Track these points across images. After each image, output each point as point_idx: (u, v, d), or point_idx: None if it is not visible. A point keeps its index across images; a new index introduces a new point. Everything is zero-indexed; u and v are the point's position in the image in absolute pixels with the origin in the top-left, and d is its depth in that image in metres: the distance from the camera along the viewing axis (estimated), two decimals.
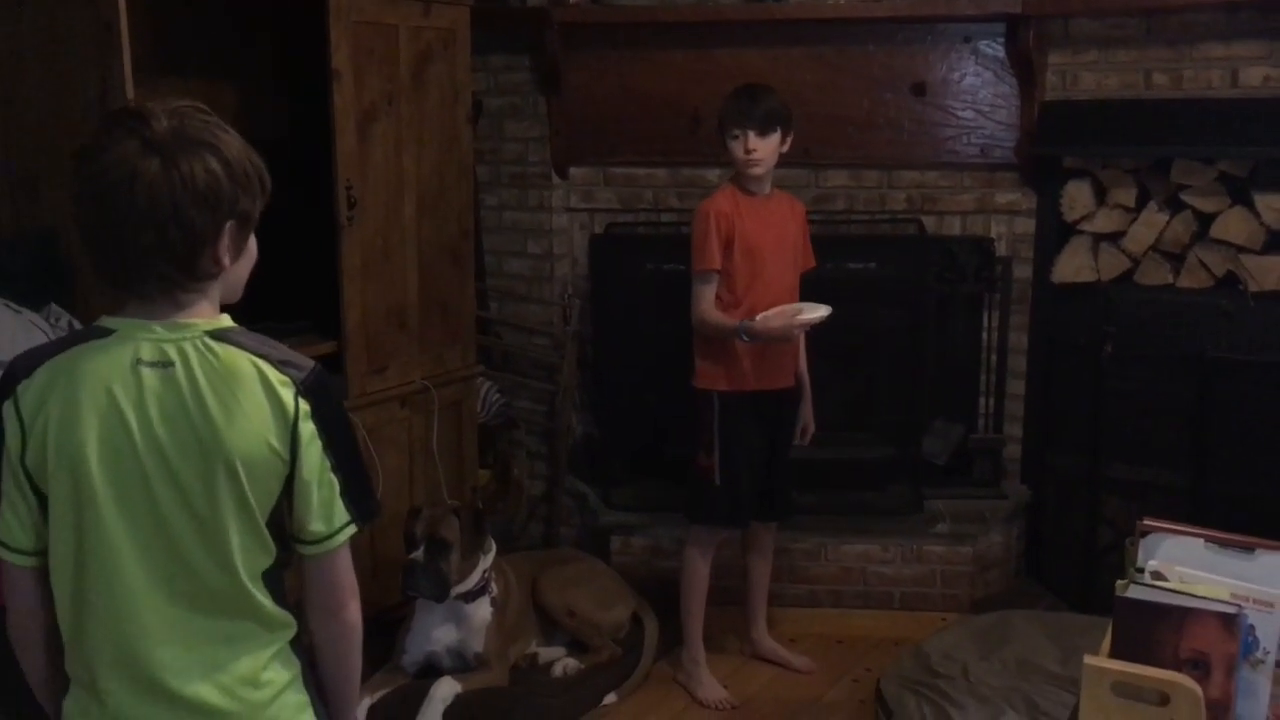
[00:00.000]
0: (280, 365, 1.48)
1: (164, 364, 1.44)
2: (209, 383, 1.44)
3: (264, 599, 1.51)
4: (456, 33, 3.57)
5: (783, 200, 3.33)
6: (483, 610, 3.21)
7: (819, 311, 3.13)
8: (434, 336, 3.61)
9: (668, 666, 3.51)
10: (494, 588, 3.24)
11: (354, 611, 1.60)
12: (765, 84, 3.25)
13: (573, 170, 4.20)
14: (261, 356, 1.48)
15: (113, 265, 1.44)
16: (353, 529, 1.55)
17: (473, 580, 3.17)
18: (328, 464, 1.50)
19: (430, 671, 3.19)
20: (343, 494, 1.53)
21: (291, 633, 1.56)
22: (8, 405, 1.46)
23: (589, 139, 4.16)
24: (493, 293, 4.34)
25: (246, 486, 1.45)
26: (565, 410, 4.22)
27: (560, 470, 4.26)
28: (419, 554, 3.09)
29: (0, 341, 2.75)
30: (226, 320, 1.52)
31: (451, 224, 3.64)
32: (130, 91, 2.79)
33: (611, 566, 3.80)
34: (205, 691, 1.49)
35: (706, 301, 3.18)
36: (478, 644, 3.19)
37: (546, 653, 3.42)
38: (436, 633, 3.19)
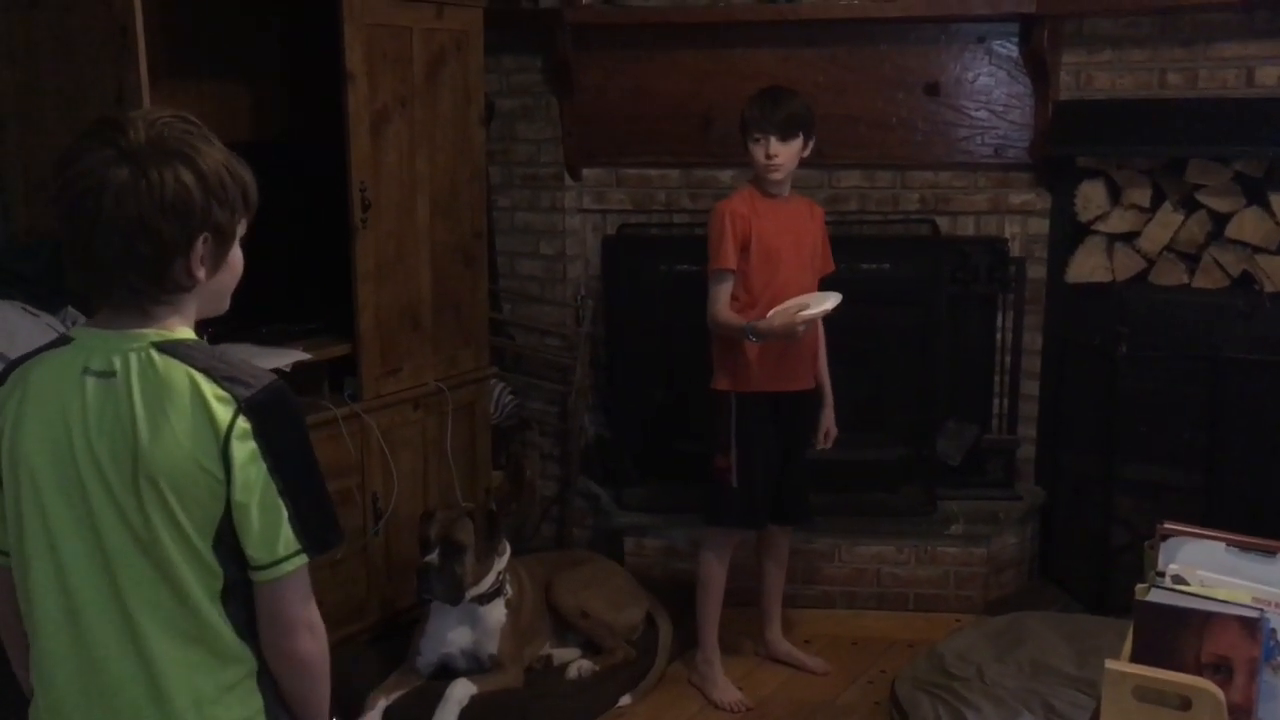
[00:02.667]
0: (224, 381, 1.42)
1: (107, 374, 1.43)
2: (142, 395, 1.41)
3: (220, 623, 1.46)
4: (469, 35, 3.57)
5: (801, 203, 3.33)
6: (497, 612, 3.21)
7: (825, 304, 3.11)
8: (447, 338, 3.62)
9: (682, 668, 3.51)
10: (508, 590, 3.24)
11: (305, 646, 1.51)
12: (788, 87, 3.24)
13: (585, 171, 4.20)
14: (204, 371, 1.42)
15: (84, 273, 1.44)
16: (303, 559, 1.45)
17: (487, 582, 3.17)
18: (273, 487, 1.43)
19: (445, 673, 3.19)
20: (292, 520, 1.44)
21: (250, 667, 1.50)
22: None
23: (601, 140, 4.15)
24: (505, 294, 4.34)
25: (175, 504, 1.41)
26: (578, 411, 4.22)
27: (573, 471, 4.26)
28: (433, 557, 3.09)
29: (17, 344, 2.76)
30: (183, 333, 1.48)
31: (464, 225, 3.65)
32: (146, 95, 2.81)
33: (625, 568, 3.80)
34: (146, 709, 1.46)
35: (721, 302, 3.18)
36: (492, 646, 3.19)
37: (561, 654, 3.42)
38: (451, 635, 3.19)
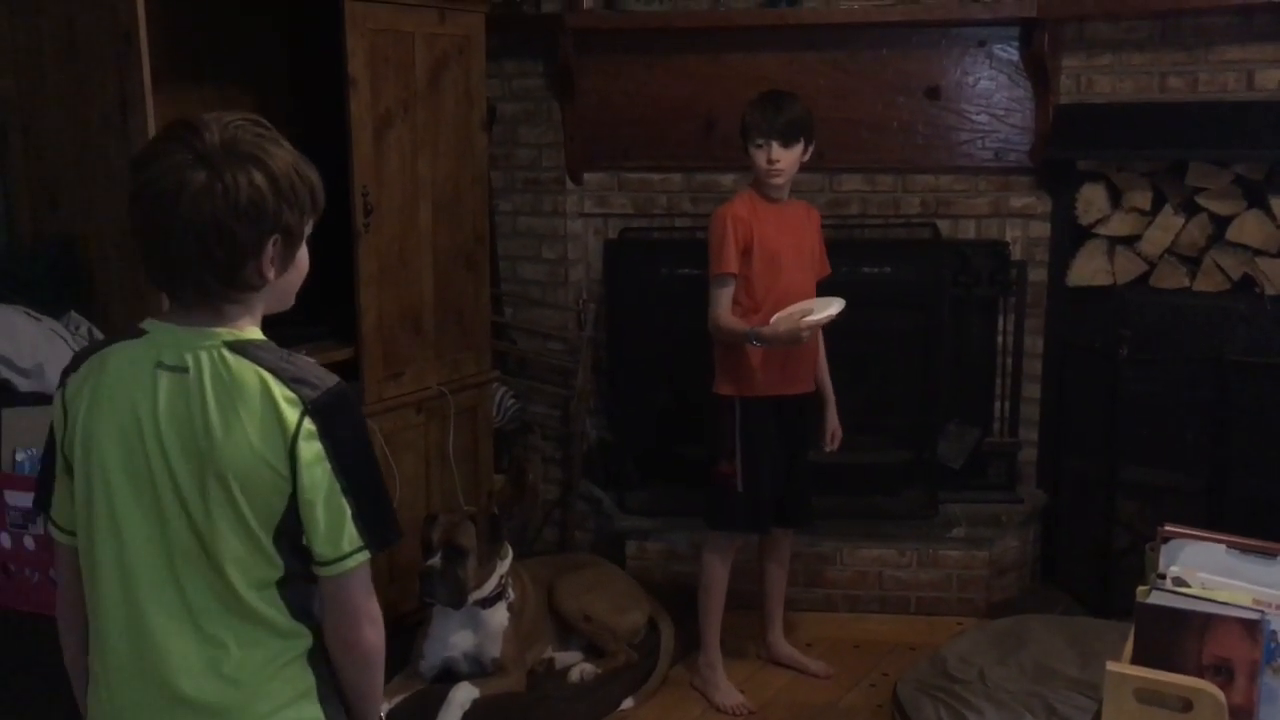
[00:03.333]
0: (292, 383, 1.46)
1: (181, 369, 1.47)
2: (215, 392, 1.45)
3: (268, 610, 1.50)
4: (472, 40, 3.59)
5: (799, 207, 3.34)
6: (499, 616, 3.22)
7: (829, 309, 3.12)
8: (449, 342, 3.63)
9: (684, 671, 3.51)
10: (511, 593, 3.25)
11: (369, 638, 1.56)
12: (788, 91, 3.25)
13: (587, 175, 4.21)
14: (273, 371, 1.46)
15: (159, 270, 1.48)
16: (366, 555, 1.50)
17: (490, 586, 3.18)
18: (338, 486, 1.47)
19: (448, 676, 3.20)
20: (355, 518, 1.48)
21: (305, 644, 1.54)
22: (58, 394, 1.55)
23: (603, 144, 4.16)
24: (507, 298, 4.35)
25: (241, 499, 1.45)
26: (580, 415, 4.23)
27: (575, 475, 4.26)
28: (436, 561, 3.09)
29: (21, 349, 2.77)
30: (253, 333, 1.52)
31: (466, 230, 3.66)
32: (150, 100, 2.82)
33: (627, 571, 3.80)
34: (205, 690, 1.49)
35: (723, 306, 3.18)
36: (495, 649, 3.20)
37: (563, 658, 3.42)
38: (454, 638, 3.20)
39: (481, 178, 3.73)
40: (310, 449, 1.45)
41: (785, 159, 3.15)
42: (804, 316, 3.09)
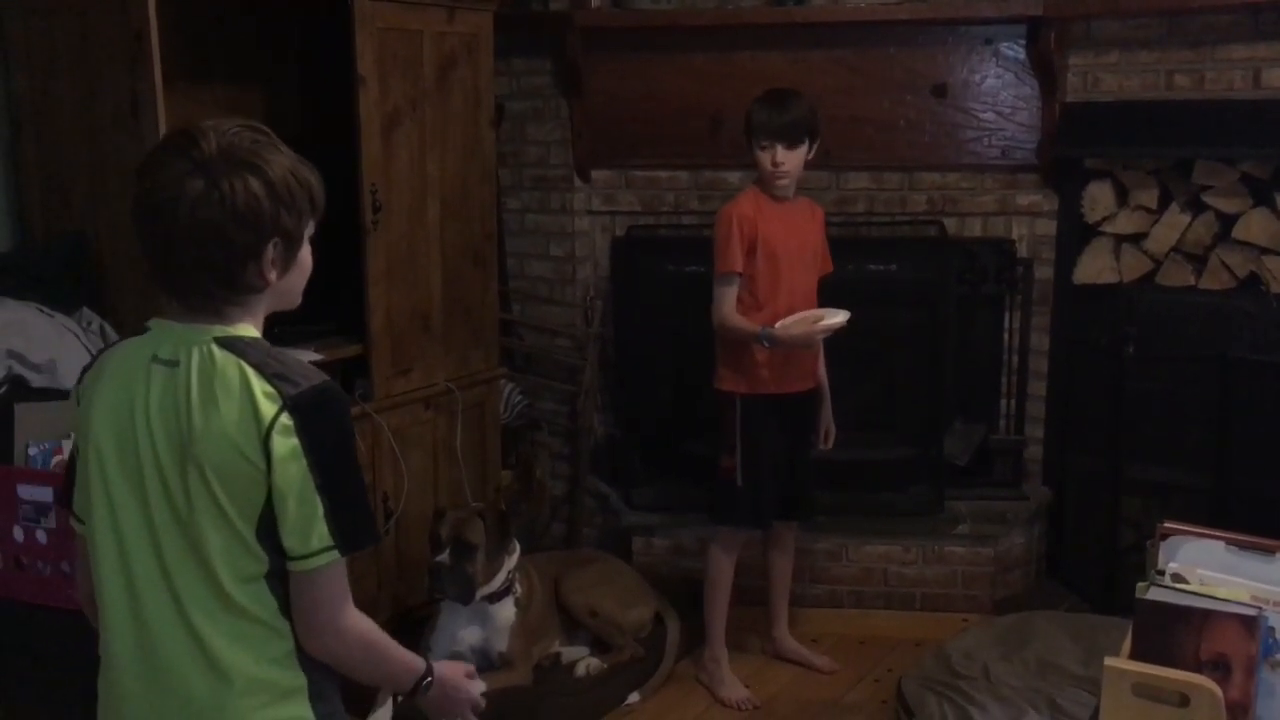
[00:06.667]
0: (274, 378, 1.48)
1: (172, 363, 1.50)
2: (199, 385, 1.48)
3: (255, 604, 1.51)
4: (480, 38, 3.60)
5: (803, 205, 3.35)
6: (507, 611, 3.24)
7: (839, 317, 3.14)
8: (457, 339, 3.65)
9: (690, 666, 3.53)
10: (518, 588, 3.27)
11: (332, 639, 1.55)
12: (793, 90, 3.25)
13: (594, 173, 4.22)
14: (256, 367, 1.48)
15: (163, 276, 1.52)
16: (335, 554, 1.50)
17: (497, 581, 3.20)
18: (312, 483, 1.47)
19: None
20: (327, 516, 1.48)
21: (291, 644, 1.54)
22: (74, 390, 1.62)
23: (610, 142, 4.18)
24: (515, 295, 4.37)
25: (219, 491, 1.47)
26: (587, 411, 4.25)
27: (582, 471, 4.28)
28: (444, 557, 3.11)
29: (34, 345, 2.80)
30: (246, 331, 1.54)
31: (474, 227, 3.68)
32: (160, 99, 2.84)
33: (633, 567, 3.82)
34: (195, 684, 1.52)
35: (728, 304, 3.20)
36: (502, 644, 3.22)
37: (569, 652, 3.44)
38: (461, 633, 3.22)
39: (489, 175, 3.75)
40: (285, 444, 1.46)
41: (790, 160, 3.16)
42: (817, 321, 3.11)
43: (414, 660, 1.69)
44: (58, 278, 3.01)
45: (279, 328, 3.19)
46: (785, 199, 3.26)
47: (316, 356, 3.20)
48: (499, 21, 3.66)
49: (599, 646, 3.47)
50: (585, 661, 3.39)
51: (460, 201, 3.60)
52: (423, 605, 3.36)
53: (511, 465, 4.12)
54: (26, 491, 2.57)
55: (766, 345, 3.14)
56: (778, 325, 3.12)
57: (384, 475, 3.40)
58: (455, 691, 1.76)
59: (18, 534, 2.61)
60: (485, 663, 3.22)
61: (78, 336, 2.85)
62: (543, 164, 4.27)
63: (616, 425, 4.29)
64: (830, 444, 3.46)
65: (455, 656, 3.23)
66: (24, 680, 2.51)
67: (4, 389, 2.74)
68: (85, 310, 2.98)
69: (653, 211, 4.20)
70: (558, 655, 3.43)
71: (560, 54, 4.08)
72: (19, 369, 2.77)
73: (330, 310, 3.40)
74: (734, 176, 4.00)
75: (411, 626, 3.37)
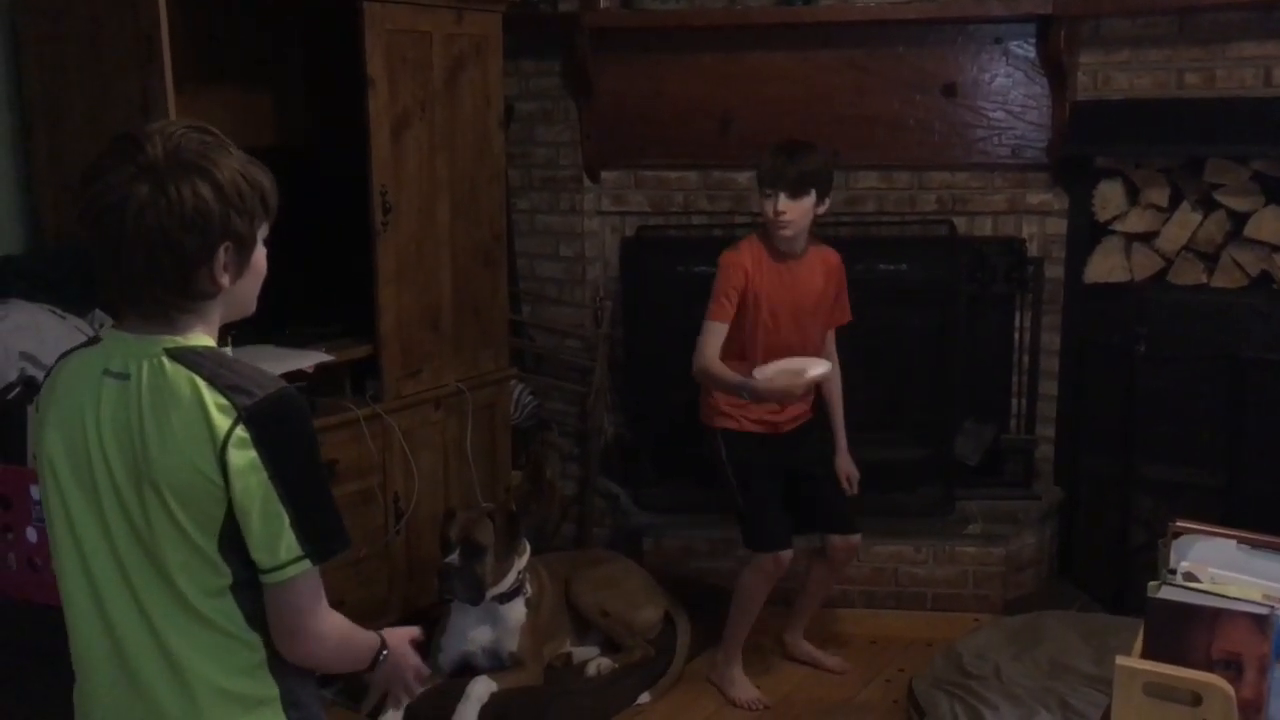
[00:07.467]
0: (227, 390, 1.44)
1: (123, 376, 1.47)
2: (151, 401, 1.45)
3: (221, 617, 1.50)
4: (489, 39, 3.61)
5: (814, 260, 3.29)
6: (517, 611, 3.24)
7: (820, 368, 3.14)
8: (467, 339, 3.65)
9: (701, 666, 3.53)
10: (528, 589, 3.27)
11: (313, 644, 1.54)
12: (808, 142, 3.20)
13: (604, 174, 4.23)
14: (209, 379, 1.45)
15: (112, 284, 1.49)
16: (306, 564, 1.48)
17: (508, 582, 3.21)
18: (275, 494, 1.44)
19: (466, 671, 3.23)
20: (294, 526, 1.46)
21: (261, 655, 1.53)
22: (35, 399, 1.60)
23: (620, 142, 4.18)
24: (525, 296, 4.38)
25: (175, 508, 1.45)
26: (597, 412, 4.25)
27: (592, 471, 4.28)
28: (454, 558, 3.12)
29: (46, 347, 2.81)
30: (199, 340, 1.51)
31: (484, 228, 3.68)
32: (171, 101, 2.85)
33: (643, 567, 3.82)
34: (165, 697, 1.51)
35: (710, 349, 3.18)
36: (512, 644, 3.23)
37: (580, 652, 3.44)
38: (472, 633, 3.23)
39: (499, 176, 3.76)
40: (242, 457, 1.43)
41: (792, 211, 3.12)
42: (799, 374, 3.09)
43: (372, 637, 1.68)
44: (70, 280, 3.02)
45: (289, 329, 3.23)
46: (791, 254, 3.22)
47: (326, 357, 3.21)
48: (508, 23, 3.67)
49: (609, 647, 3.47)
50: (596, 662, 3.39)
51: (470, 202, 3.61)
52: (433, 607, 3.36)
53: (522, 466, 4.12)
54: (40, 493, 2.58)
55: (746, 397, 3.13)
56: (756, 372, 3.11)
57: (395, 476, 3.41)
58: (403, 658, 1.75)
59: (31, 535, 2.62)
60: (496, 663, 3.23)
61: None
62: (552, 164, 4.27)
63: (626, 426, 4.29)
64: (855, 489, 3.46)
65: (466, 657, 3.25)
66: (40, 682, 2.51)
67: (17, 391, 2.75)
68: (98, 312, 2.99)
69: (662, 212, 4.20)
70: (568, 655, 3.43)
71: (569, 55, 4.08)
72: (31, 371, 2.78)
73: (340, 311, 3.42)
74: (743, 176, 3.99)
75: (423, 628, 3.37)
